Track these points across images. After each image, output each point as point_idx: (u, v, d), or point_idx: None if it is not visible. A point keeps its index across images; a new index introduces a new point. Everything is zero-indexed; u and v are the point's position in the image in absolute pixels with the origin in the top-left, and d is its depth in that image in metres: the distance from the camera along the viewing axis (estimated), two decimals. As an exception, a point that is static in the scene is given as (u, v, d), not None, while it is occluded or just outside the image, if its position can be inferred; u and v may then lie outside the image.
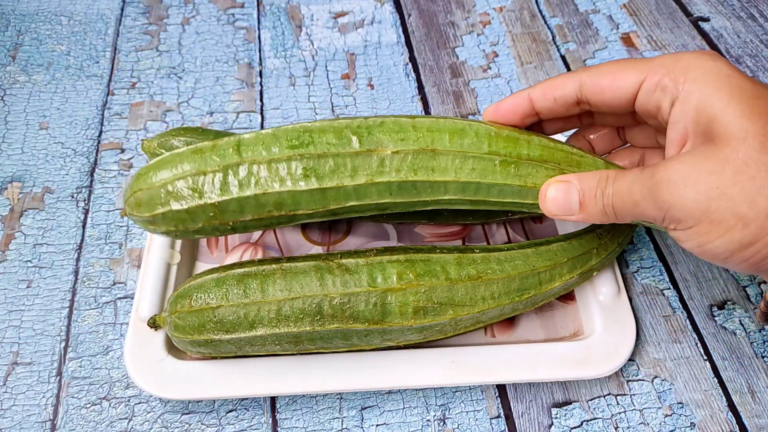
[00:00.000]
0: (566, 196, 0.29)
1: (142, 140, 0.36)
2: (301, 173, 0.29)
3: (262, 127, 0.47)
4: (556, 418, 0.34)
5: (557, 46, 0.53)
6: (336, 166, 0.29)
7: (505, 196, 0.31)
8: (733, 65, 0.26)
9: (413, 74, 0.51)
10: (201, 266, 0.39)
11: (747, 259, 0.25)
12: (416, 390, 0.34)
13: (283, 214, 0.30)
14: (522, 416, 0.34)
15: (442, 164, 0.30)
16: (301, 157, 0.29)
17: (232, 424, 0.33)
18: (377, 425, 0.33)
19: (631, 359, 0.36)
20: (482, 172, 0.30)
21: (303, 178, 0.29)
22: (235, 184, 0.29)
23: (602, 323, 0.35)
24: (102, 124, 0.47)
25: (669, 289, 0.39)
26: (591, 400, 0.34)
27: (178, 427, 0.33)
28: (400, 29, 0.55)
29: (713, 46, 0.53)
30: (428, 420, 0.34)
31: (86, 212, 0.42)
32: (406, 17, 0.56)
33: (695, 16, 0.56)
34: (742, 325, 0.37)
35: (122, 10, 0.56)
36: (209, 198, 0.29)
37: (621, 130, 0.35)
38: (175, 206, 0.29)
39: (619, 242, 0.35)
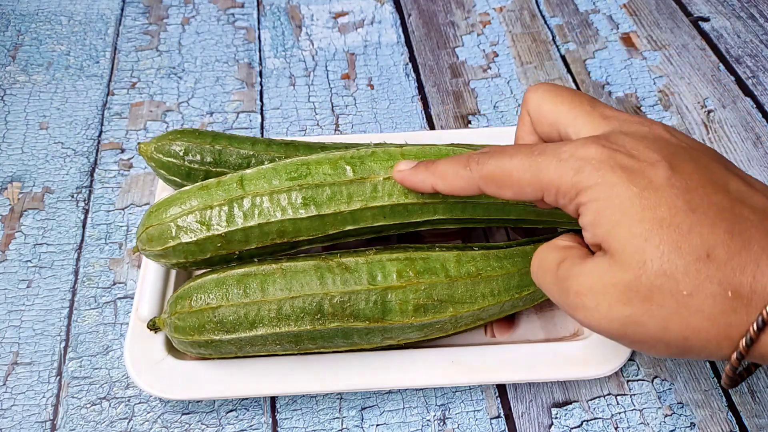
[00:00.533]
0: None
1: (139, 144, 0.36)
2: (300, 202, 0.31)
3: (261, 128, 0.47)
4: (556, 418, 0.34)
5: (557, 46, 0.53)
6: (333, 194, 0.31)
7: (490, 213, 0.33)
8: (619, 168, 0.24)
9: (413, 74, 0.51)
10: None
11: (688, 358, 0.26)
12: (416, 390, 0.34)
13: (285, 241, 0.31)
14: (522, 416, 0.34)
15: None
16: (300, 188, 0.31)
17: (232, 424, 0.33)
18: (377, 425, 0.33)
19: (631, 359, 0.35)
20: None
21: (303, 207, 0.31)
22: (240, 216, 0.31)
23: (602, 323, 0.34)
24: (102, 124, 0.47)
25: (669, 288, 0.39)
26: (591, 400, 0.34)
27: (178, 427, 0.33)
28: (400, 29, 0.55)
29: (713, 46, 0.53)
30: (428, 420, 0.34)
31: (86, 212, 0.42)
32: (406, 17, 0.56)
33: (695, 16, 0.56)
34: (743, 324, 0.37)
35: (122, 10, 0.56)
36: (216, 229, 0.31)
37: None
38: (185, 239, 0.31)
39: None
